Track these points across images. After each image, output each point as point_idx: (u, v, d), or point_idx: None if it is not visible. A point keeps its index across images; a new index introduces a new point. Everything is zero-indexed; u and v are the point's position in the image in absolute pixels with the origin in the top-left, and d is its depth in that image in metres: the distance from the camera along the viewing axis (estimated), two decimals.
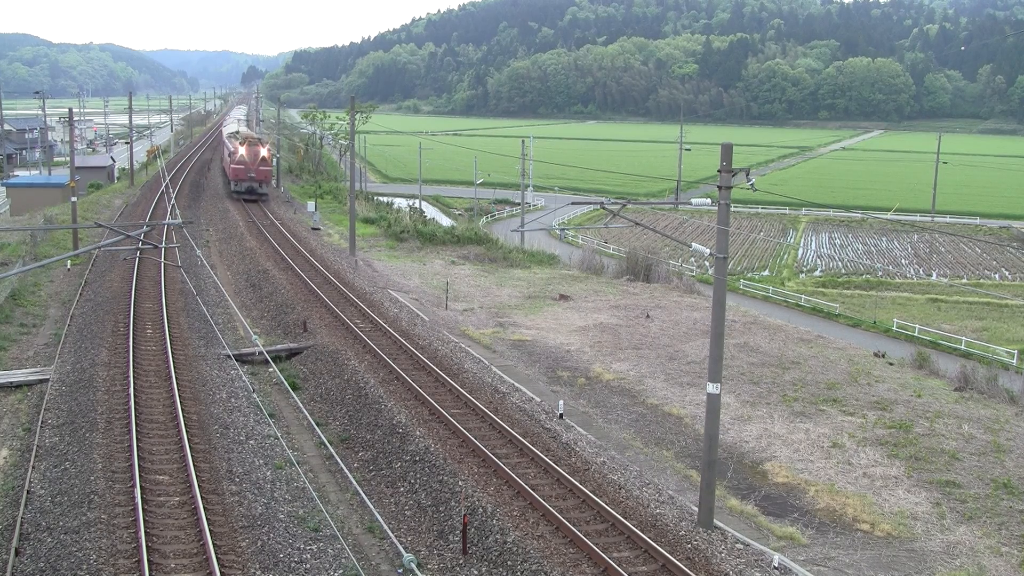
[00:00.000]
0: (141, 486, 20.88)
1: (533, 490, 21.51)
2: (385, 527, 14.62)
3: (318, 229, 65.22)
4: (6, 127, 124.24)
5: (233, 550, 18.81)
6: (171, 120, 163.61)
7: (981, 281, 75.27)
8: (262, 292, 43.25)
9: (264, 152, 74.14)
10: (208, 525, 19.17)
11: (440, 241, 63.69)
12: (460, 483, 21.95)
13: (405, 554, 11.01)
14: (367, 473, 24.01)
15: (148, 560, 17.72)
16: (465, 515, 20.04)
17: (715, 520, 20.76)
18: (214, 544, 18.43)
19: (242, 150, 73.44)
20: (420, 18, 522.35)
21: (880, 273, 78.43)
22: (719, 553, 19.32)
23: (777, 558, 19.26)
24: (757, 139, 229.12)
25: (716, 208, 20.62)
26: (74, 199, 55.36)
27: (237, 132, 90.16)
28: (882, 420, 28.72)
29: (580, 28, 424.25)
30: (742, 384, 32.19)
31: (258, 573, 18.10)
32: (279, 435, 25.28)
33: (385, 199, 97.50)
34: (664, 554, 18.79)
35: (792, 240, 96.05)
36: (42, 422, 25.56)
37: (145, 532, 18.77)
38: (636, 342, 37.70)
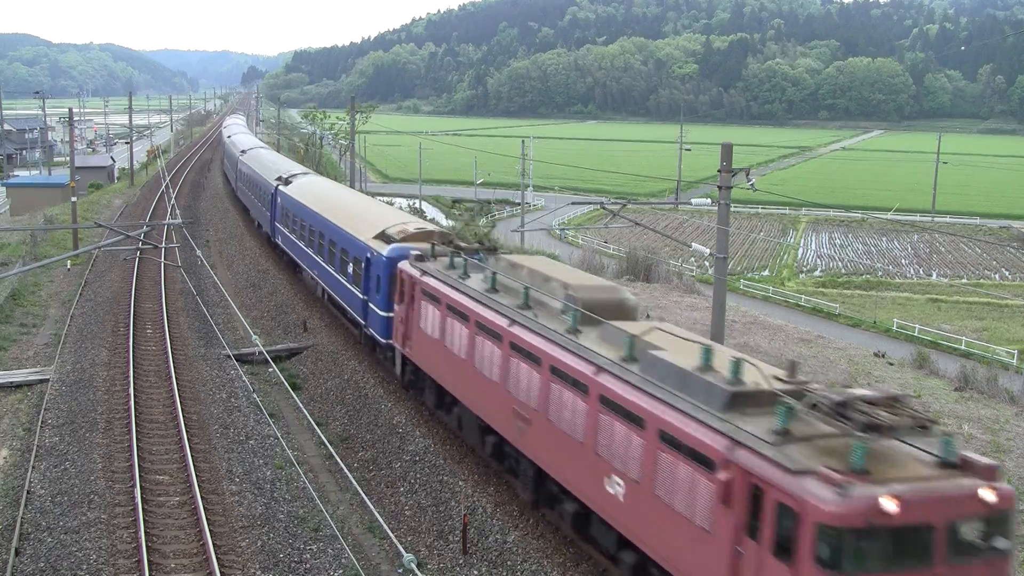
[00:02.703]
0: (141, 486, 20.89)
1: None
2: (385, 527, 14.58)
3: None
4: (6, 127, 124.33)
5: (233, 550, 18.82)
6: (171, 120, 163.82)
7: (981, 281, 75.33)
8: (262, 292, 43.23)
9: None
10: (208, 525, 19.18)
11: None
12: (460, 483, 21.94)
13: (405, 554, 11.00)
14: (367, 473, 24.00)
15: (148, 560, 17.73)
16: (465, 515, 20.03)
17: None
18: (214, 544, 18.43)
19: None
20: (420, 18, 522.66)
21: (880, 273, 78.47)
22: None
23: None
24: (757, 139, 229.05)
25: (716, 208, 20.63)
26: (74, 199, 55.41)
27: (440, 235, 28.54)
28: None
29: (580, 28, 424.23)
30: None
31: (258, 573, 18.11)
32: (279, 435, 25.25)
33: (385, 199, 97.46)
34: None
35: (792, 240, 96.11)
36: (42, 422, 25.55)
37: (145, 532, 18.78)
38: None
